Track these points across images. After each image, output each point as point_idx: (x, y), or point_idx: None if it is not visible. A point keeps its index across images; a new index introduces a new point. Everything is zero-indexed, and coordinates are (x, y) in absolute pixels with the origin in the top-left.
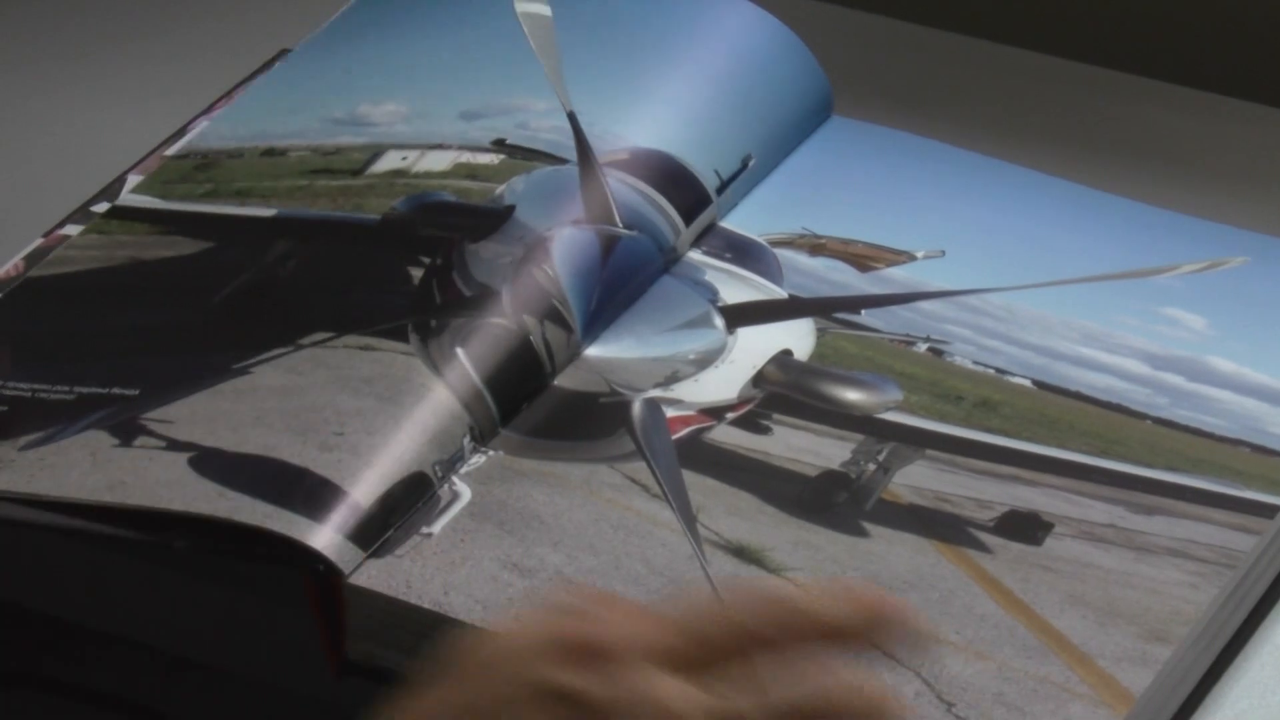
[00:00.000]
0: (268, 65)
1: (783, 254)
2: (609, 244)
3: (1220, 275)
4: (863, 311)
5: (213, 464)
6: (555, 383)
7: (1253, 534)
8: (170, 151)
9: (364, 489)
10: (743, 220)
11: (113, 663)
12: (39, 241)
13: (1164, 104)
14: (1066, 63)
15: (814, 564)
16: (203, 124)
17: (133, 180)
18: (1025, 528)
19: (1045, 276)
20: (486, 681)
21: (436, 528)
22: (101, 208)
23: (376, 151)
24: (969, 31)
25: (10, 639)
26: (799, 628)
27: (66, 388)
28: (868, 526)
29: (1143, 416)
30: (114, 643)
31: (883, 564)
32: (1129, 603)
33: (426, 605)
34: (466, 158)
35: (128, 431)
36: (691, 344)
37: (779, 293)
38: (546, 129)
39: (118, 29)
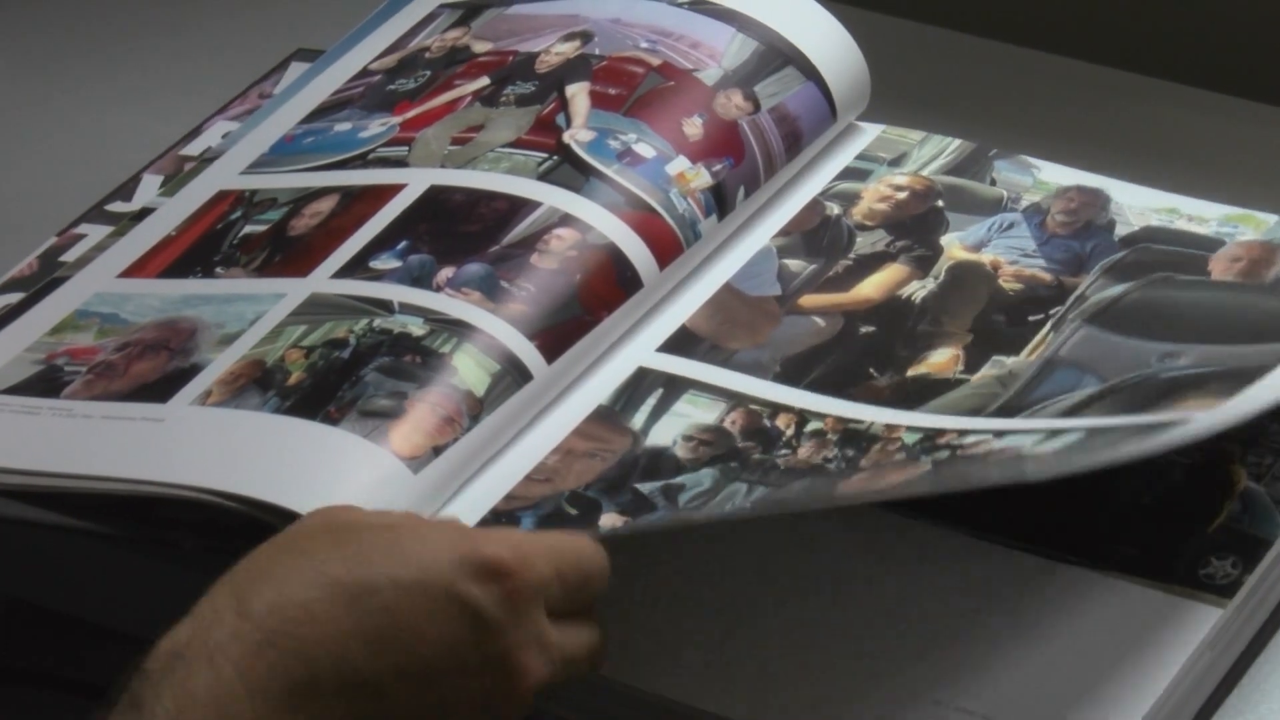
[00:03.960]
0: (283, 65)
1: None
2: None
3: None
4: None
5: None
6: None
7: None
8: (196, 153)
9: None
10: None
11: (123, 660)
12: (53, 240)
13: (1178, 105)
14: (1077, 64)
15: None
16: (218, 123)
17: (149, 180)
18: None
19: None
20: (405, 580)
21: None
22: (116, 207)
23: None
24: (984, 34)
25: (22, 637)
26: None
27: None
28: None
29: None
30: (125, 640)
31: None
32: None
33: None
34: None
35: None
36: None
37: None
38: None
39: (132, 28)
